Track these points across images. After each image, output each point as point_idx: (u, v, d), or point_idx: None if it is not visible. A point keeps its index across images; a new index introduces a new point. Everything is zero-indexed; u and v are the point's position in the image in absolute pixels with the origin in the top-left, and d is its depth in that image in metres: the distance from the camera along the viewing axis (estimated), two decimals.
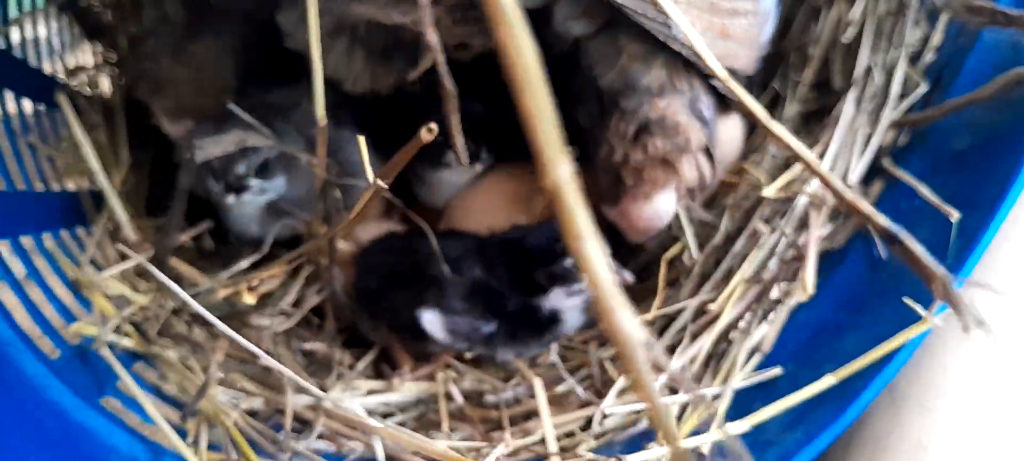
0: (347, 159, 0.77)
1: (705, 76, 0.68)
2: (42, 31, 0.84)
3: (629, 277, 0.70)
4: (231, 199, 0.74)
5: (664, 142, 0.65)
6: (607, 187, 0.69)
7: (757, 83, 0.83)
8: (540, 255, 0.70)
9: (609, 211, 0.71)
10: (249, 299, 0.67)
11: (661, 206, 0.67)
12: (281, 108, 0.79)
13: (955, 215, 0.59)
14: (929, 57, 0.74)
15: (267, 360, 0.61)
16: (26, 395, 0.57)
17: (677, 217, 0.76)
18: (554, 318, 0.71)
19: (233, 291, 0.69)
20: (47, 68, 0.83)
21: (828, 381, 0.56)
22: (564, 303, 0.71)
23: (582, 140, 0.71)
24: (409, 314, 0.69)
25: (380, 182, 0.56)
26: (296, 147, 0.75)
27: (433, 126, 0.51)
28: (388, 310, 0.73)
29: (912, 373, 0.60)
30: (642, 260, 0.84)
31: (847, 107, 0.74)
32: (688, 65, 0.66)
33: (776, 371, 0.64)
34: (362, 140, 0.57)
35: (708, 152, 0.67)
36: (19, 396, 0.57)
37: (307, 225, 0.87)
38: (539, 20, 0.65)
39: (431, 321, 0.70)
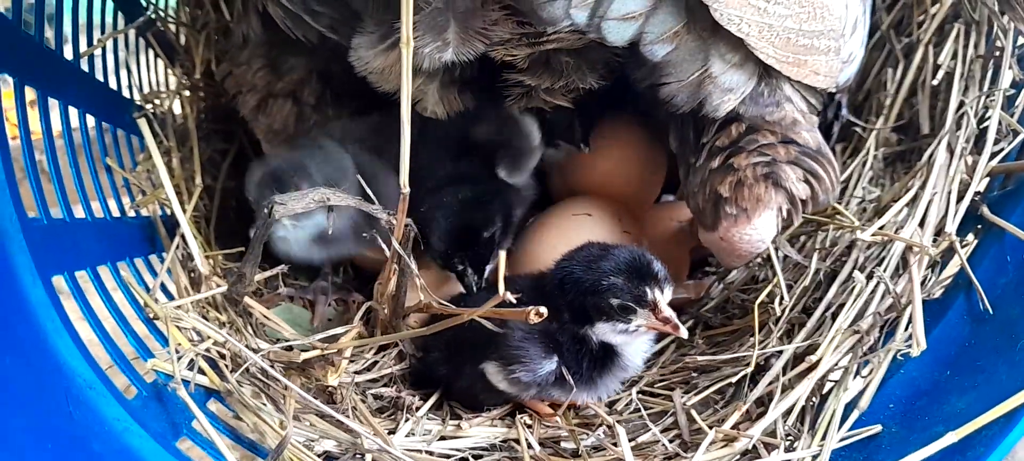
0: (381, 191, 0.76)
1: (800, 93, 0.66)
2: (120, 54, 0.84)
3: (683, 332, 0.67)
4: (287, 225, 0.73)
5: (762, 158, 0.63)
6: (705, 211, 0.67)
7: (839, 108, 0.81)
8: (585, 289, 0.68)
9: (707, 237, 0.69)
10: (333, 379, 0.65)
11: (763, 227, 0.65)
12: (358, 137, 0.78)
13: None
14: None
15: (341, 418, 0.61)
16: (104, 439, 0.55)
17: (768, 257, 0.73)
18: (610, 351, 0.69)
19: (316, 354, 0.67)
20: (124, 91, 0.83)
21: (948, 440, 0.53)
22: (615, 339, 0.69)
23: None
24: (475, 371, 0.69)
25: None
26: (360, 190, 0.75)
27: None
28: (457, 371, 0.72)
29: None
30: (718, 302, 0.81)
31: (940, 152, 0.72)
32: (778, 79, 0.64)
33: (876, 428, 0.61)
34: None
35: (820, 160, 0.65)
36: (99, 440, 0.55)
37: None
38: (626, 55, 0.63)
39: (493, 373, 0.69)
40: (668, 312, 0.65)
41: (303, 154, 0.76)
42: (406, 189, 0.58)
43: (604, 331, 0.68)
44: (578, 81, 0.65)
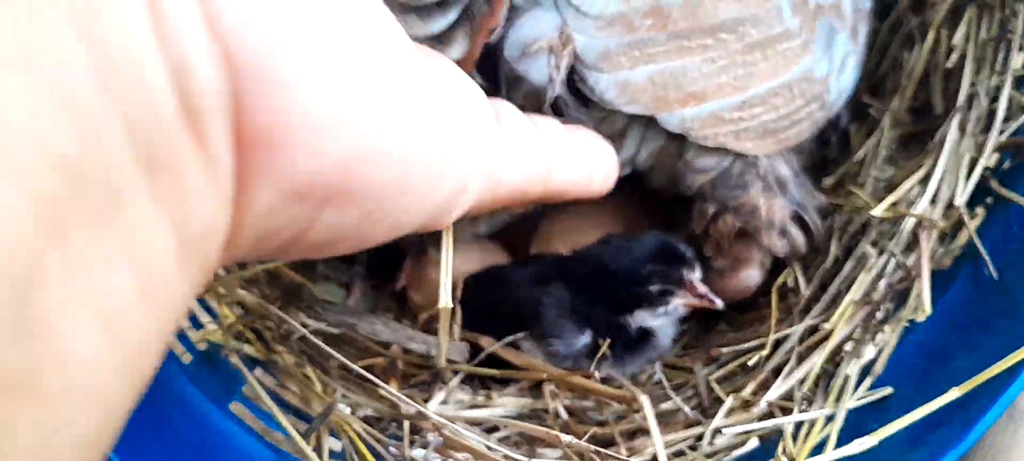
0: None
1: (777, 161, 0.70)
2: None
3: (719, 304, 0.71)
4: None
5: (738, 220, 0.68)
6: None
7: (837, 125, 0.84)
8: (625, 278, 0.72)
9: None
10: (393, 385, 0.69)
11: (747, 280, 0.72)
12: None
13: None
14: None
15: (383, 389, 0.65)
16: (164, 397, 0.60)
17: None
18: (646, 334, 0.73)
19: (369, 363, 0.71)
20: None
21: (952, 395, 0.56)
22: (653, 323, 0.73)
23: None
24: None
25: None
26: None
27: None
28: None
29: None
30: None
31: (951, 131, 0.74)
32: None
33: (888, 390, 0.64)
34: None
35: (800, 219, 0.70)
36: (158, 398, 0.59)
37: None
38: None
39: (528, 348, 0.73)
40: (703, 289, 0.70)
41: None
42: None
43: (643, 317, 0.72)
44: None
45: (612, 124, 0.63)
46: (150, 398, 0.59)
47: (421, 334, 0.74)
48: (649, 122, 0.63)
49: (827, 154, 0.88)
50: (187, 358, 0.65)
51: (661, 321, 0.73)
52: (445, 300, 0.55)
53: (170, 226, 0.24)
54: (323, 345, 0.66)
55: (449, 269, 0.55)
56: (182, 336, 0.66)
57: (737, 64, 0.61)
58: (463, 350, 0.74)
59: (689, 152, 0.66)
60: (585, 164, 0.58)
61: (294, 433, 0.60)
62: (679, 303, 0.71)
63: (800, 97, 0.65)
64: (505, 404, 0.74)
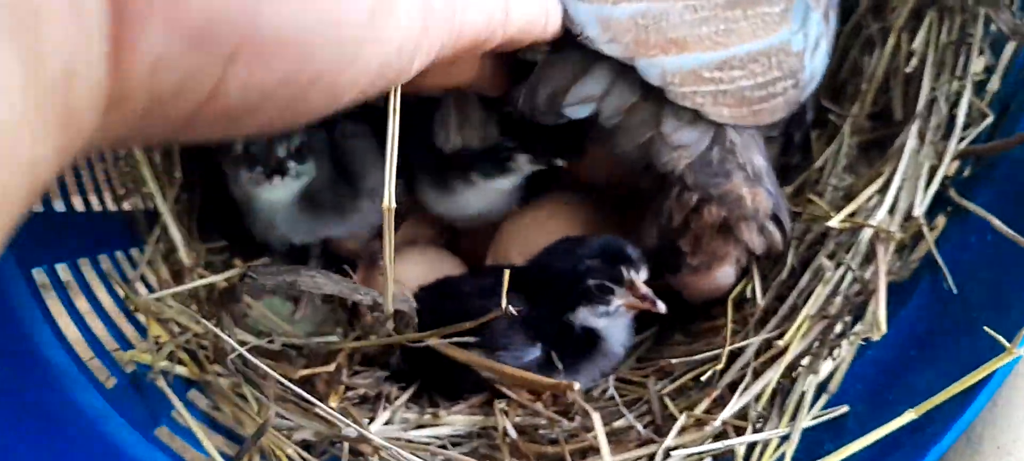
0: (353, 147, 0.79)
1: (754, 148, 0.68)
2: None
3: (662, 307, 0.69)
4: (276, 181, 0.74)
5: (723, 210, 0.66)
6: (667, 256, 0.70)
7: (803, 120, 0.82)
8: (565, 275, 0.70)
9: (669, 278, 0.72)
10: (333, 401, 0.66)
11: (721, 279, 0.69)
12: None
13: None
14: (994, 86, 0.73)
15: (322, 408, 0.62)
16: (83, 427, 0.57)
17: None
18: (593, 336, 0.72)
19: (311, 372, 0.68)
20: None
21: (908, 417, 0.54)
22: (596, 322, 0.71)
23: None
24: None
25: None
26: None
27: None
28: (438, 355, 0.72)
29: (989, 414, 0.58)
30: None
31: (910, 139, 0.72)
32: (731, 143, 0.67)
33: (843, 409, 0.62)
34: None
35: (776, 218, 0.68)
36: (75, 428, 0.56)
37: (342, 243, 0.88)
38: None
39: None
40: (645, 290, 0.68)
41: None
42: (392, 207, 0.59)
43: (585, 315, 0.71)
44: None
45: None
46: (64, 431, 0.56)
47: (365, 287, 0.72)
48: (622, 72, 0.61)
49: (789, 160, 0.87)
50: (111, 382, 0.61)
51: (604, 322, 0.71)
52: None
53: (14, 53, 0.19)
54: (258, 361, 0.63)
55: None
56: (107, 357, 0.63)
57: (718, 18, 0.62)
58: (409, 301, 0.72)
59: (666, 124, 0.64)
60: (541, 2, 0.56)
61: (219, 459, 0.57)
62: (620, 303, 0.69)
63: (777, 68, 0.65)
64: (453, 422, 0.71)
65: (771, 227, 0.68)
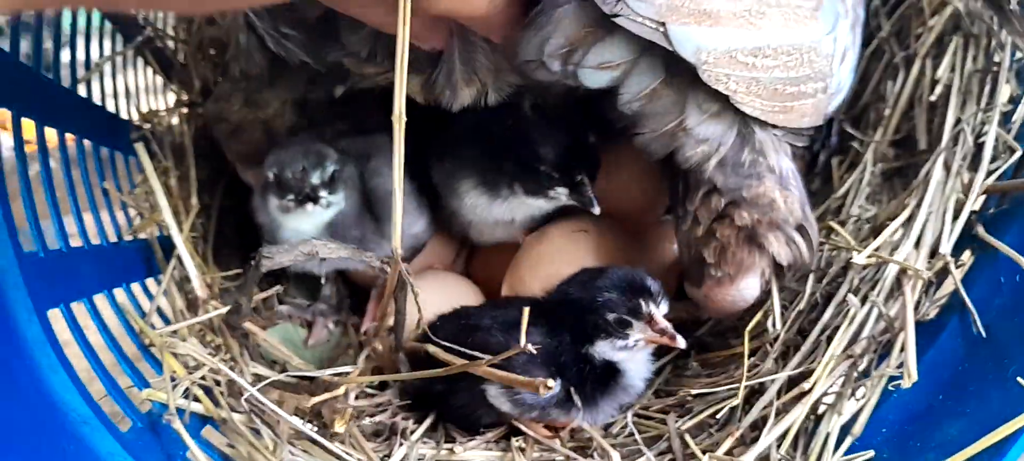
0: (379, 187, 0.79)
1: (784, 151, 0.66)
2: (120, 80, 0.85)
3: (681, 343, 0.67)
4: (309, 207, 0.74)
5: (754, 214, 0.63)
6: (691, 270, 0.68)
7: (829, 138, 0.81)
8: (585, 307, 0.69)
9: (692, 291, 0.70)
10: (339, 426, 0.66)
11: (746, 289, 0.66)
12: (352, 155, 0.80)
13: None
14: (1021, 116, 0.71)
15: (334, 448, 0.62)
16: None
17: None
18: (613, 369, 0.70)
19: (324, 398, 0.68)
20: (122, 112, 0.84)
21: None
22: (615, 356, 0.69)
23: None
24: (479, 391, 0.69)
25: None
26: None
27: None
28: (453, 389, 0.71)
29: None
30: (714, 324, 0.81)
31: (936, 170, 0.71)
32: (761, 142, 0.64)
33: (869, 454, 0.60)
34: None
35: (803, 229, 0.65)
36: None
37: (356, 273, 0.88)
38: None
39: (495, 395, 0.69)
40: (664, 324, 0.66)
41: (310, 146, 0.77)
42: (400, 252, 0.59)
43: (604, 349, 0.69)
44: None
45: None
46: None
47: (368, 253, 0.72)
48: (645, 49, 0.58)
49: (810, 184, 0.85)
50: (126, 425, 0.61)
51: (623, 355, 0.69)
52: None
53: None
54: (271, 404, 0.62)
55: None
56: (122, 396, 0.62)
57: None
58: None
59: (690, 115, 0.61)
60: None
61: None
62: (640, 338, 0.67)
63: (808, 65, 0.62)
64: (470, 459, 0.71)
65: (798, 238, 0.66)
